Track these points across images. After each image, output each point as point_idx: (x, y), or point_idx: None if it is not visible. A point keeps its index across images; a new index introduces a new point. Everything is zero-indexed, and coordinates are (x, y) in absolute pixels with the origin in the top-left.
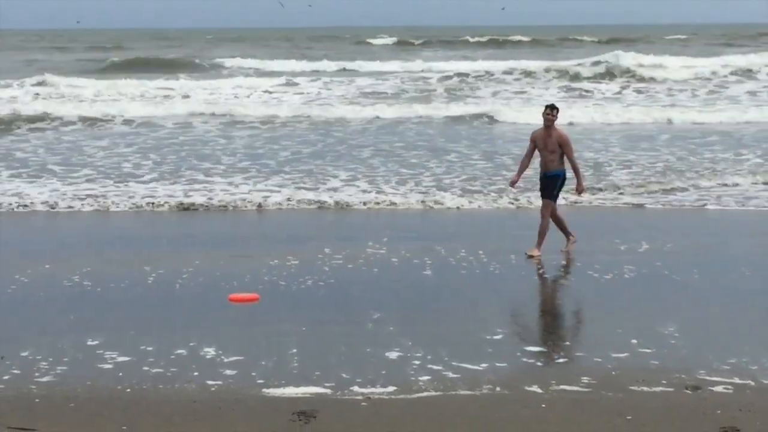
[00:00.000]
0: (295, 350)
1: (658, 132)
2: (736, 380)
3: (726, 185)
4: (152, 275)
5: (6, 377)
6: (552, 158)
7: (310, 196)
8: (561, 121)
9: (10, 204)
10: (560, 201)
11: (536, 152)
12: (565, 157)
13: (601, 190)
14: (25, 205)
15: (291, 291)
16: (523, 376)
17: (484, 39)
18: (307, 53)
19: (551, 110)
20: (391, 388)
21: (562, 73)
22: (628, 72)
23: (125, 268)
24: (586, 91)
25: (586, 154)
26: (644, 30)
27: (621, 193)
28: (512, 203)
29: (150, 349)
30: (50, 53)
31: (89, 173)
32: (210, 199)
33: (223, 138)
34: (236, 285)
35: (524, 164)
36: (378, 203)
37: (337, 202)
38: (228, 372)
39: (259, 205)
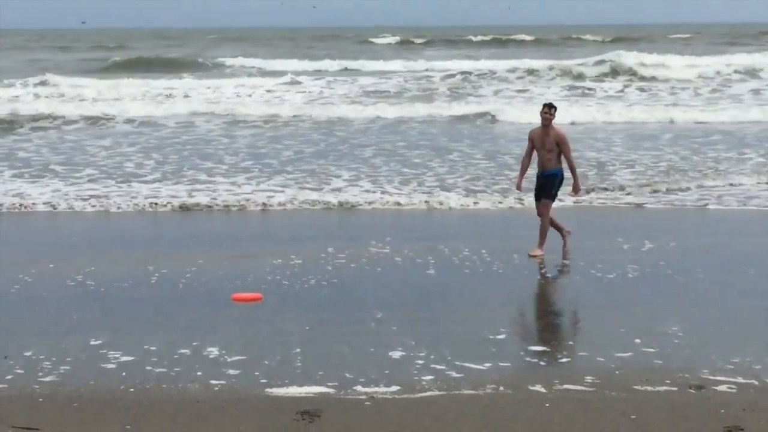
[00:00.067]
0: (298, 350)
1: (661, 131)
2: (740, 380)
3: (732, 185)
4: (155, 275)
5: (9, 377)
6: (549, 157)
7: (314, 196)
8: (563, 120)
9: (13, 204)
10: (558, 202)
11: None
12: (563, 156)
13: (606, 189)
14: (27, 206)
15: (294, 291)
16: (526, 376)
17: (487, 38)
18: (310, 53)
19: (549, 109)
20: (394, 388)
21: (565, 72)
22: (630, 71)
23: (129, 268)
24: (589, 89)
25: (589, 154)
26: (647, 29)
27: (628, 194)
28: (517, 203)
29: (153, 348)
30: (53, 53)
31: (92, 173)
32: (213, 199)
33: (225, 137)
34: (239, 285)
35: (525, 164)
36: (384, 204)
37: (341, 203)
38: (231, 371)
39: (264, 205)
